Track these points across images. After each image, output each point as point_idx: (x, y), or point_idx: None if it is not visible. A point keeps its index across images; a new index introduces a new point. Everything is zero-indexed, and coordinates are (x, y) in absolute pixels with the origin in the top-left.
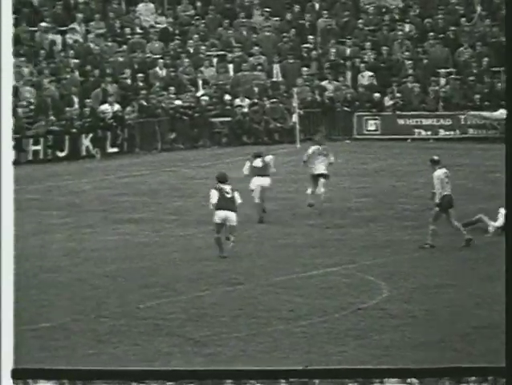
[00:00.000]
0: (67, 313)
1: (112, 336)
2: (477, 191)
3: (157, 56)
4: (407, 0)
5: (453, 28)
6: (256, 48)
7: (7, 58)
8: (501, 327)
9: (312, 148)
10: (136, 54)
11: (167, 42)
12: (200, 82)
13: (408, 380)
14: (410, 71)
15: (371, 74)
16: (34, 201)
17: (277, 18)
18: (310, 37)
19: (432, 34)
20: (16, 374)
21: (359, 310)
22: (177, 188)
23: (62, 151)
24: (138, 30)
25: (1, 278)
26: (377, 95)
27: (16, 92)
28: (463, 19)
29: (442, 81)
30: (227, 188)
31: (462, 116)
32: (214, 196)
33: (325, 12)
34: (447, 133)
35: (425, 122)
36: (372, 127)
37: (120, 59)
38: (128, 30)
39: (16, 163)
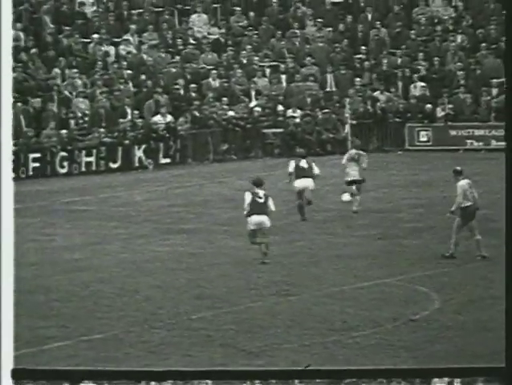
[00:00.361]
0: (120, 324)
1: (164, 347)
2: None
3: (210, 67)
4: (459, 10)
5: (505, 38)
6: (308, 59)
7: (6, 76)
8: None
9: (347, 154)
10: (188, 64)
11: (220, 52)
12: (253, 93)
13: (409, 380)
14: (462, 82)
15: (423, 84)
16: (86, 212)
17: (330, 29)
18: (363, 47)
19: (484, 44)
20: (16, 374)
21: (411, 322)
22: (229, 199)
23: (115, 162)
24: (191, 41)
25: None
26: (429, 105)
27: (69, 104)
28: None
29: (494, 91)
30: (260, 192)
31: None
32: (248, 199)
33: (378, 22)
34: (499, 144)
35: (477, 132)
36: (424, 138)
37: (173, 70)
38: (180, 41)
39: (68, 174)
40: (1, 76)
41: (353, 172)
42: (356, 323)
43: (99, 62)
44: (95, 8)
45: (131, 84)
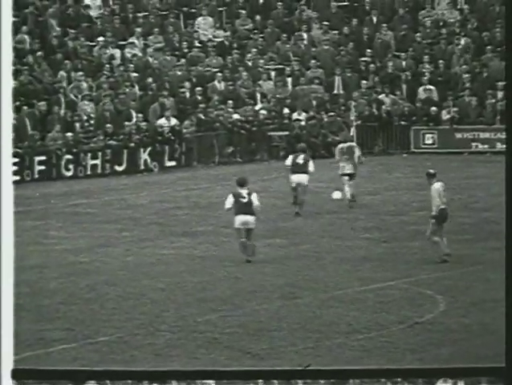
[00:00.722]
0: (125, 326)
1: (170, 350)
2: None
3: (216, 70)
4: (465, 13)
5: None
6: (313, 61)
7: (7, 84)
8: None
9: (337, 150)
10: (194, 67)
11: (225, 55)
12: (258, 95)
13: (410, 380)
14: (467, 85)
15: (429, 87)
16: (91, 215)
17: (335, 32)
18: (368, 50)
19: (489, 47)
20: (16, 374)
21: (416, 324)
22: None
23: (120, 165)
24: (196, 44)
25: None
26: (434, 108)
27: (74, 107)
28: None
29: (499, 94)
30: (244, 192)
31: None
32: (229, 202)
33: (383, 25)
34: (504, 146)
35: (483, 135)
36: (429, 141)
37: (179, 73)
38: (186, 44)
39: (73, 177)
40: (1, 80)
41: (346, 166)
42: (361, 326)
43: (105, 66)
44: (100, 11)
45: (137, 87)
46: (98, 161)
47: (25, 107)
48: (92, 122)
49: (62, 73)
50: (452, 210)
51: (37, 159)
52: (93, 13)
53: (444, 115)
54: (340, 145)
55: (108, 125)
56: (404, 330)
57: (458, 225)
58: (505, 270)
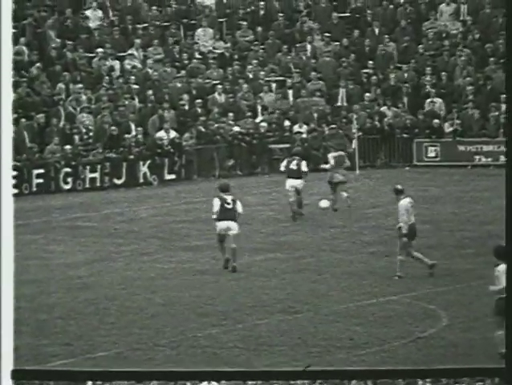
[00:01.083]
0: (125, 342)
1: (170, 365)
2: None
3: (216, 82)
4: (467, 25)
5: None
6: (314, 73)
7: (6, 92)
8: None
9: (332, 155)
10: (194, 79)
11: (226, 67)
12: (259, 108)
13: (409, 380)
14: (470, 97)
15: (434, 100)
16: (90, 229)
17: (337, 43)
18: (370, 62)
19: (493, 59)
20: (16, 374)
21: (418, 339)
22: None
23: (119, 178)
24: (196, 56)
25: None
26: (437, 121)
27: (73, 119)
28: None
29: (503, 107)
30: (228, 198)
31: None
32: (216, 206)
33: (385, 36)
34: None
35: (486, 148)
36: (432, 154)
37: (179, 85)
38: (186, 56)
39: (72, 190)
40: (1, 92)
41: (336, 174)
42: (363, 341)
43: (105, 77)
44: (99, 22)
45: (136, 99)
46: (97, 174)
47: (23, 120)
48: (91, 134)
49: (60, 85)
50: (454, 224)
51: (35, 172)
52: (92, 24)
53: (447, 128)
54: (332, 154)
55: (113, 127)
56: (406, 345)
57: (460, 239)
58: (505, 267)
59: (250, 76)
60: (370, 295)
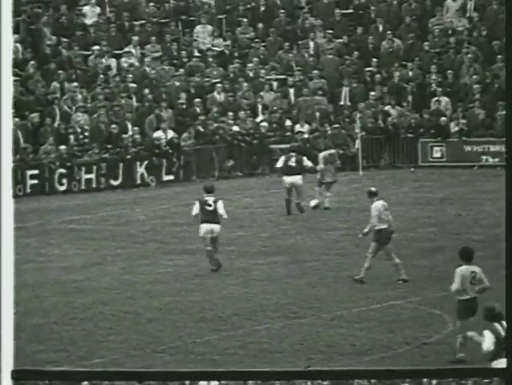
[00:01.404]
0: (121, 348)
1: None
2: None
3: (215, 80)
4: (474, 21)
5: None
6: (316, 72)
7: (6, 96)
8: None
9: (322, 158)
10: (193, 78)
11: (225, 65)
12: (259, 107)
13: (409, 380)
14: (477, 96)
15: (439, 98)
16: (86, 232)
17: (340, 41)
18: (374, 60)
19: (500, 56)
20: (16, 374)
21: (423, 345)
22: (235, 218)
23: (115, 179)
24: (195, 54)
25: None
26: (444, 118)
27: (68, 119)
28: None
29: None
30: (210, 200)
31: None
32: (195, 208)
33: (388, 32)
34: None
35: (493, 148)
36: (438, 154)
37: (177, 84)
38: (184, 54)
39: (67, 192)
40: (1, 91)
41: (327, 174)
42: (367, 347)
43: (100, 76)
44: (95, 19)
45: (133, 98)
46: (93, 175)
47: (17, 119)
48: (87, 134)
49: (55, 83)
50: (461, 226)
51: (29, 173)
52: (88, 21)
53: (453, 128)
54: (323, 153)
55: (114, 126)
56: (411, 351)
57: (467, 242)
58: (505, 266)
59: (251, 74)
60: (373, 300)
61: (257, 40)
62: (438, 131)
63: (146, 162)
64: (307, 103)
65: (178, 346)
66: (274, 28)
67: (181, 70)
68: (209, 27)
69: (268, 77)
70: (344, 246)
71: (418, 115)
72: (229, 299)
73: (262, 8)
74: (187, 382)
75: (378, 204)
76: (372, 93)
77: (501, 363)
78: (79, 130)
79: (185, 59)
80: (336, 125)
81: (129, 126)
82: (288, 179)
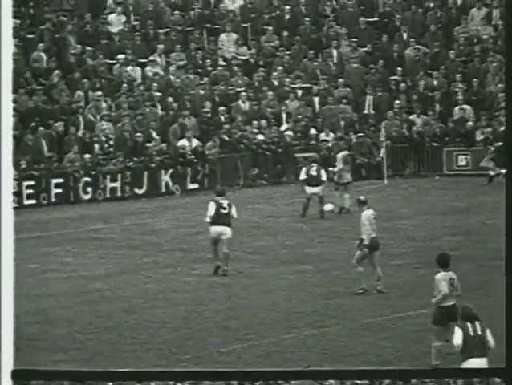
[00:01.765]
0: (146, 357)
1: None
2: None
3: (240, 89)
4: (499, 29)
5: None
6: (341, 80)
7: (6, 103)
8: None
9: (342, 155)
10: (217, 86)
11: (250, 74)
12: (284, 115)
13: (411, 380)
14: (502, 104)
15: (463, 107)
16: (110, 241)
17: (364, 49)
18: (399, 68)
19: None
20: (16, 374)
21: (448, 355)
22: (260, 226)
23: (140, 188)
24: (220, 62)
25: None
26: (470, 123)
27: (92, 127)
28: None
29: None
30: (224, 203)
31: None
32: (212, 209)
33: (412, 40)
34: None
35: None
36: (463, 163)
37: (201, 92)
38: (209, 62)
39: (92, 200)
40: (1, 104)
41: (345, 175)
42: (391, 356)
43: (125, 84)
44: (120, 27)
45: (159, 107)
46: (117, 184)
47: (41, 128)
48: (111, 143)
49: (80, 92)
50: (485, 235)
51: (54, 181)
52: (113, 29)
53: (478, 136)
54: (341, 153)
55: (138, 134)
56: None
57: (492, 251)
58: (505, 266)
59: (275, 83)
60: (398, 309)
61: (282, 48)
62: (463, 139)
63: (171, 171)
64: (332, 111)
65: (203, 355)
66: (299, 36)
67: (206, 79)
68: (234, 35)
69: (293, 85)
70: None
71: (443, 124)
72: (254, 308)
73: (287, 16)
74: (187, 382)
75: (368, 213)
76: (397, 102)
77: (472, 364)
78: (103, 139)
79: (210, 68)
80: (361, 134)
81: (154, 134)
82: (310, 190)
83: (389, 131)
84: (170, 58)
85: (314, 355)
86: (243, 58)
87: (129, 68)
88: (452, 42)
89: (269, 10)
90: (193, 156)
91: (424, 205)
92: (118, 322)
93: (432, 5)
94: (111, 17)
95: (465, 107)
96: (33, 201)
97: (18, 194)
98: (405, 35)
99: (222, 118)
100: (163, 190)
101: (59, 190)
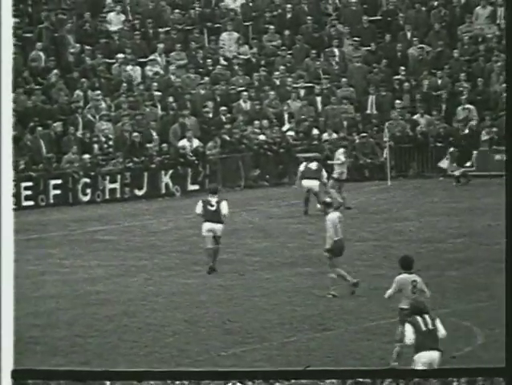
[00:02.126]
0: (146, 360)
1: None
2: None
3: (241, 88)
4: (503, 28)
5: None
6: (344, 80)
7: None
8: None
9: (342, 151)
10: (218, 86)
11: (251, 73)
12: (286, 115)
13: (410, 380)
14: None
15: (467, 106)
16: (110, 242)
17: (367, 48)
18: (402, 68)
19: None
20: (16, 374)
21: (452, 359)
22: (262, 228)
23: (140, 189)
24: (221, 61)
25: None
26: (473, 123)
27: (91, 127)
28: None
29: None
30: (213, 200)
31: None
32: (198, 208)
33: (415, 39)
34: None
35: None
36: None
37: (202, 92)
38: (210, 61)
39: (91, 202)
40: (1, 105)
41: (344, 171)
42: (395, 360)
43: (124, 84)
44: (119, 26)
45: (159, 107)
46: (117, 185)
47: (39, 128)
48: (111, 143)
49: (78, 92)
50: (490, 237)
51: (52, 182)
52: (112, 28)
53: (483, 136)
54: (342, 149)
55: (138, 134)
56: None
57: (497, 253)
58: (505, 265)
59: (277, 83)
60: None
61: (283, 48)
62: (467, 139)
63: (171, 171)
64: (335, 111)
65: (204, 359)
66: (301, 35)
67: (207, 79)
68: (235, 35)
69: (295, 85)
70: (371, 257)
71: (447, 124)
72: (256, 311)
73: (289, 15)
74: (186, 382)
75: (333, 216)
76: (398, 101)
77: (423, 357)
78: (102, 139)
79: (211, 67)
80: (364, 134)
81: (154, 135)
82: (306, 183)
83: (393, 132)
84: (170, 58)
85: (317, 359)
86: (244, 57)
87: (129, 67)
88: (456, 41)
89: (270, 9)
90: (193, 157)
91: (428, 206)
92: (118, 325)
93: (436, 3)
94: (111, 15)
95: (468, 106)
96: (31, 203)
97: (16, 195)
98: (409, 34)
99: (223, 118)
100: (163, 191)
101: (58, 191)
